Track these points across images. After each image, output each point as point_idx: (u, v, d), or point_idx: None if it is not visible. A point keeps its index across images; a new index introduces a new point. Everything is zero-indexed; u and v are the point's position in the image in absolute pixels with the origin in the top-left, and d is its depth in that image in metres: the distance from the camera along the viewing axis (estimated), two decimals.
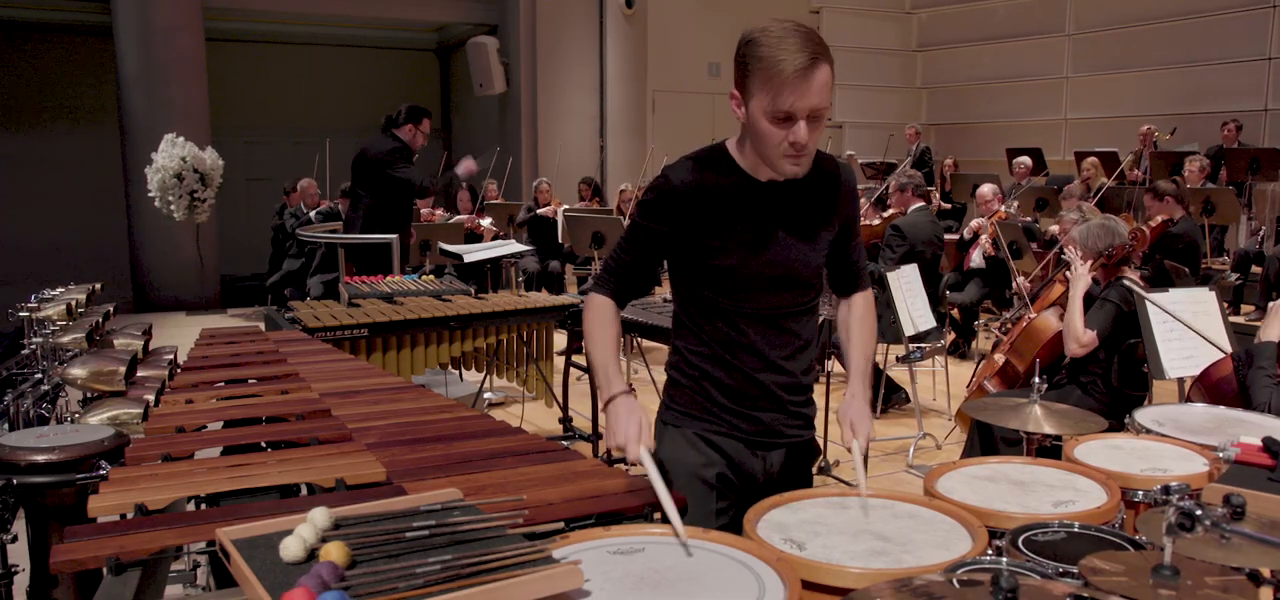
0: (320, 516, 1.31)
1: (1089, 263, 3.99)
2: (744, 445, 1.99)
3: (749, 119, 1.82)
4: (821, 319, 2.17)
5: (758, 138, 1.82)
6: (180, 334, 5.45)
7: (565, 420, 5.21)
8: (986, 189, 8.32)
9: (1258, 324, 7.20)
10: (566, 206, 9.25)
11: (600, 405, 1.85)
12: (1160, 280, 6.60)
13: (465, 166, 6.56)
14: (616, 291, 2.00)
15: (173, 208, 8.79)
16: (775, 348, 1.96)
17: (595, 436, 4.91)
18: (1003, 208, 8.27)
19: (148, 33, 9.81)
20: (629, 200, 8.63)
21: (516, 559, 1.24)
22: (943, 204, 10.58)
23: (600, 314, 1.98)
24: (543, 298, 5.05)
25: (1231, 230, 9.71)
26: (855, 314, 2.13)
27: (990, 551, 1.53)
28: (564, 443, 2.34)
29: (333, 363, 3.13)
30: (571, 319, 4.77)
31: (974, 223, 8.41)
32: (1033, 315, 4.50)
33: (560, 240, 8.89)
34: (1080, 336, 3.86)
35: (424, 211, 9.02)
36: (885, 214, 8.08)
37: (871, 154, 12.91)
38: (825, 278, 2.09)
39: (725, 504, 1.97)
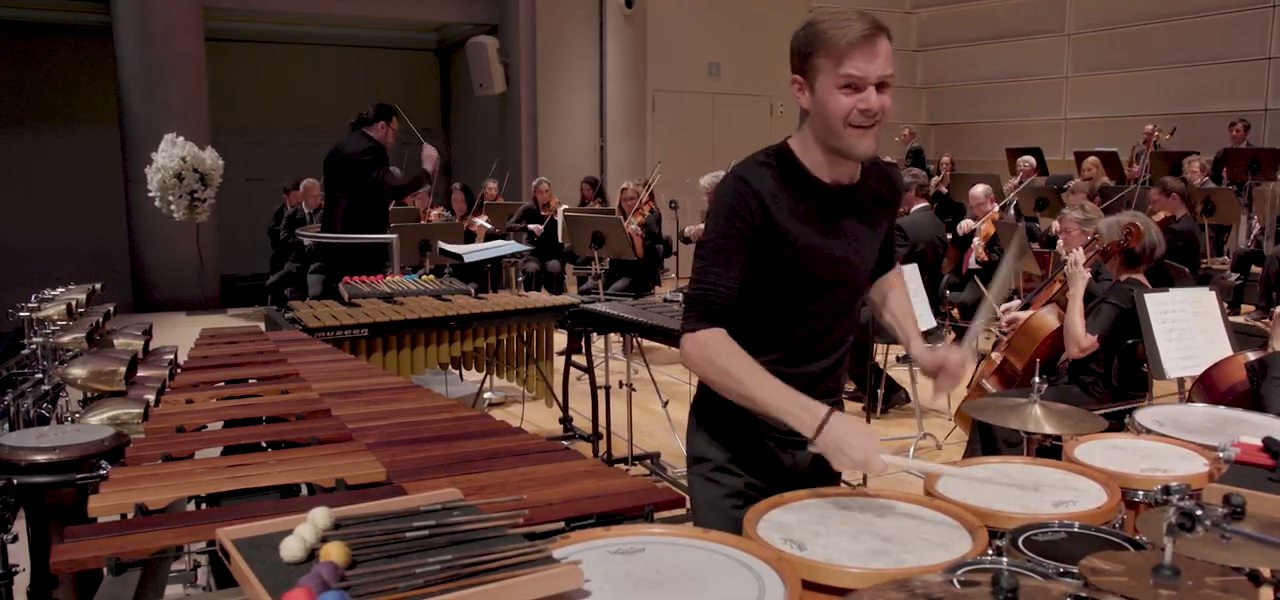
0: (320, 516, 1.31)
1: (1087, 255, 3.93)
2: (778, 444, 2.00)
3: (816, 99, 1.81)
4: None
5: (826, 115, 1.80)
6: (180, 334, 5.45)
7: (565, 420, 5.21)
8: (979, 190, 8.31)
9: (1257, 324, 7.20)
10: (566, 206, 9.25)
11: (810, 433, 1.75)
12: (1160, 279, 6.59)
13: (428, 155, 6.41)
14: (720, 317, 1.84)
15: (173, 208, 8.79)
16: (821, 351, 1.97)
17: (595, 436, 4.91)
18: (997, 208, 8.27)
19: (148, 33, 9.81)
20: (630, 198, 8.59)
21: (516, 559, 1.24)
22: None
23: (726, 346, 1.83)
24: (543, 298, 5.05)
25: (1232, 230, 9.70)
26: (895, 286, 2.22)
27: (990, 551, 1.53)
28: (564, 443, 2.34)
29: (333, 363, 3.13)
30: (572, 319, 4.77)
31: (963, 224, 8.41)
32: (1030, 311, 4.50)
33: (560, 240, 8.88)
34: (1081, 340, 3.82)
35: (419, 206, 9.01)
36: None
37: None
38: None
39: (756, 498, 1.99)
